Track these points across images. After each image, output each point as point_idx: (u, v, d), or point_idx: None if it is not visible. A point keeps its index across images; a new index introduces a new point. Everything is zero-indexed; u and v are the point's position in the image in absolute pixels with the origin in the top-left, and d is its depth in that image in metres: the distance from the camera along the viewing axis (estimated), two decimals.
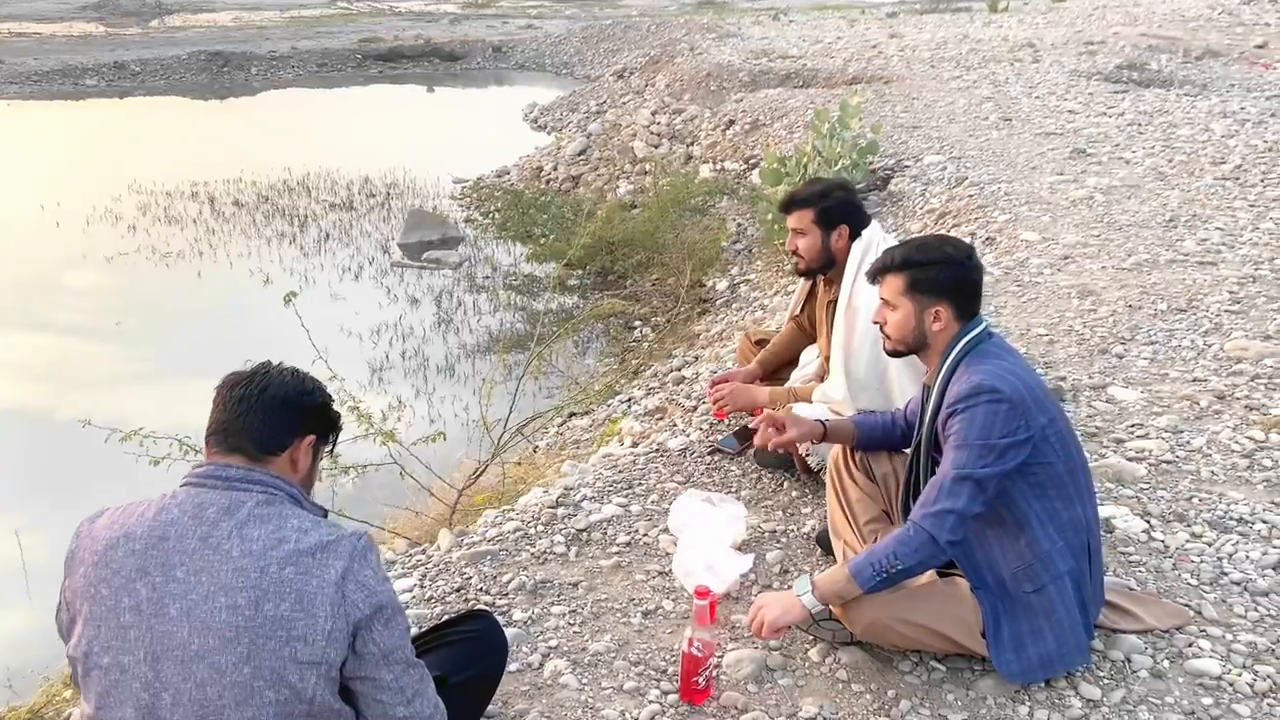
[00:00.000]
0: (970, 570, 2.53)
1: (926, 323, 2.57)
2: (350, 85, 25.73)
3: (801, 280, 3.79)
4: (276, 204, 12.97)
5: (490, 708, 2.45)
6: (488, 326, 8.82)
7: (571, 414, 6.64)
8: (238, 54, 25.95)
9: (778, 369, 3.89)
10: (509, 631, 2.72)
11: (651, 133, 13.00)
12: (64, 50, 26.40)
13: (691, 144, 12.47)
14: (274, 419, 1.83)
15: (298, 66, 26.34)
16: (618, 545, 3.20)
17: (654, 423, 4.50)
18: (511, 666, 2.61)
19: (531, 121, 18.94)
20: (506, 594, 2.93)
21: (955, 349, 2.54)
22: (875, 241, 3.46)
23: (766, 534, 3.24)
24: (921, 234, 2.83)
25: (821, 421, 2.97)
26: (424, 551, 3.26)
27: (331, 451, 2.00)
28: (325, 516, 1.95)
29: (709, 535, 3.01)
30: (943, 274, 2.54)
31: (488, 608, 2.86)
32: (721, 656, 2.63)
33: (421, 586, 2.99)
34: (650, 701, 2.48)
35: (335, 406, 1.94)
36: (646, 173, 11.43)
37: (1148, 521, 3.24)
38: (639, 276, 9.35)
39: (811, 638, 2.68)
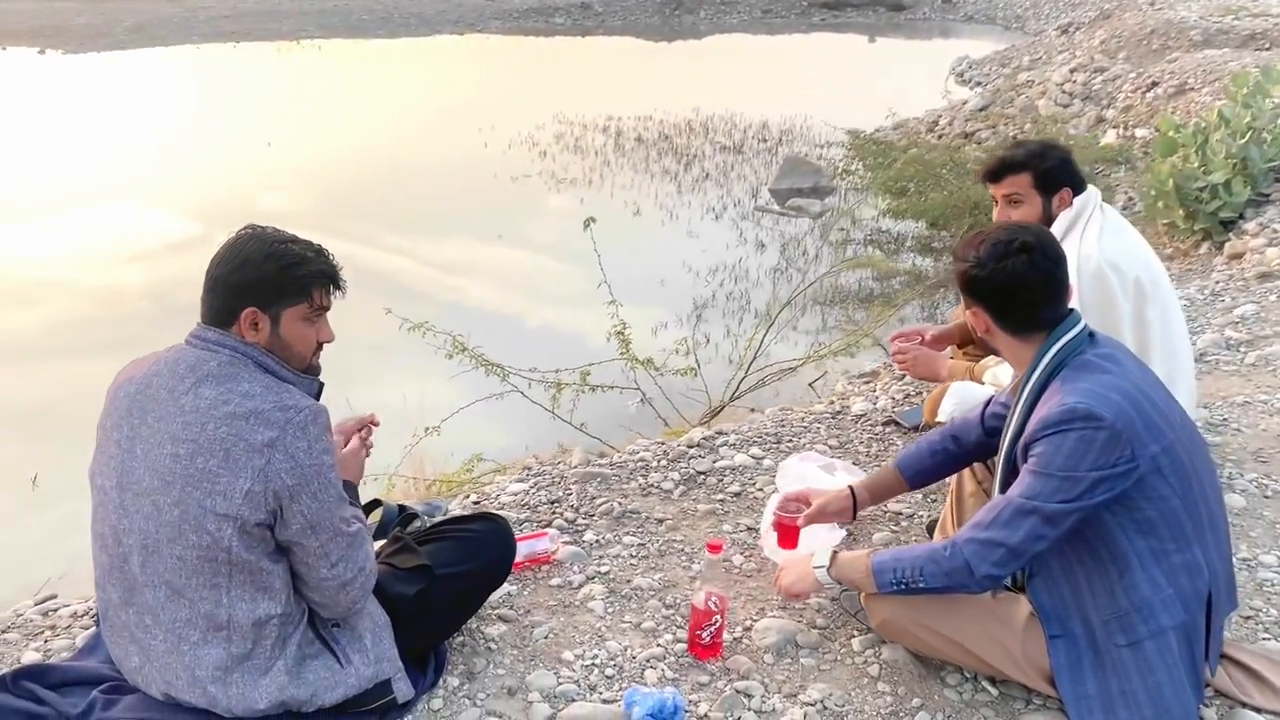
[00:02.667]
0: (1052, 615, 2.14)
1: (977, 327, 2.22)
2: (792, 32, 26.04)
3: None
4: (673, 142, 13.59)
5: (509, 612, 2.55)
6: (822, 279, 8.68)
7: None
8: None
9: None
10: (568, 549, 2.80)
11: (1063, 91, 11.87)
12: None
13: (1106, 106, 11.23)
14: (216, 297, 2.00)
15: (744, 12, 27.11)
16: (724, 494, 3.12)
17: (861, 385, 4.25)
18: (553, 581, 2.68)
19: (957, 76, 18.05)
20: (592, 515, 2.99)
21: (1043, 361, 2.14)
22: (1088, 212, 3.00)
23: (889, 513, 2.99)
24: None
25: (850, 488, 2.62)
26: (557, 464, 3.39)
27: (315, 313, 2.05)
28: (318, 389, 2.12)
29: None
30: (975, 273, 2.15)
31: (566, 524, 2.94)
32: (757, 620, 2.51)
33: (528, 493, 3.14)
34: (657, 644, 2.43)
35: (289, 272, 1.99)
36: (1043, 133, 10.49)
37: None
38: None
39: (863, 626, 2.47)
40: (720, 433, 3.54)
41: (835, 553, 2.32)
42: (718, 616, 2.37)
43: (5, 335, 7.25)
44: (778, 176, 11.41)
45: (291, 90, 17.97)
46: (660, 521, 2.97)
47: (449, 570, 2.29)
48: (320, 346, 2.14)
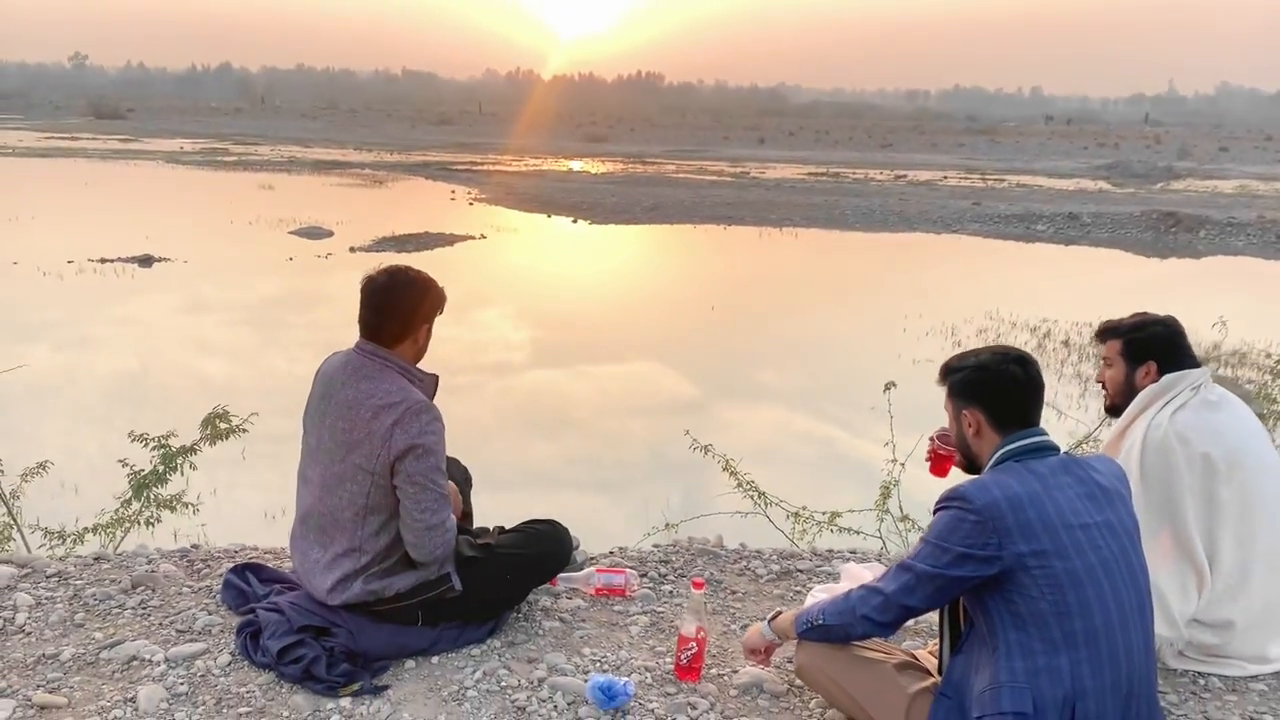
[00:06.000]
0: (953, 683, 2.44)
1: (966, 431, 2.52)
2: None
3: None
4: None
5: (569, 616, 3.25)
6: None
7: None
8: (1191, 216, 25.86)
9: None
10: (644, 590, 3.43)
11: None
12: (1034, 199, 29.42)
13: None
14: (393, 322, 2.96)
15: (1253, 235, 25.09)
16: (803, 587, 3.53)
17: None
18: (617, 607, 3.33)
19: None
20: (684, 575, 3.58)
21: (999, 452, 2.47)
22: (1175, 389, 3.12)
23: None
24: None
25: None
26: (692, 543, 3.96)
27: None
28: (435, 383, 3.04)
29: None
30: (970, 377, 2.49)
31: (658, 575, 3.55)
32: (747, 666, 2.96)
33: (650, 552, 3.79)
34: (657, 662, 2.99)
35: (438, 293, 2.97)
36: None
37: None
38: None
39: None
40: (855, 551, 3.93)
41: (780, 611, 2.76)
42: (694, 644, 2.89)
43: (532, 458, 8.87)
44: None
45: (756, 265, 20.03)
46: (732, 591, 3.48)
47: (504, 550, 3.10)
48: None
